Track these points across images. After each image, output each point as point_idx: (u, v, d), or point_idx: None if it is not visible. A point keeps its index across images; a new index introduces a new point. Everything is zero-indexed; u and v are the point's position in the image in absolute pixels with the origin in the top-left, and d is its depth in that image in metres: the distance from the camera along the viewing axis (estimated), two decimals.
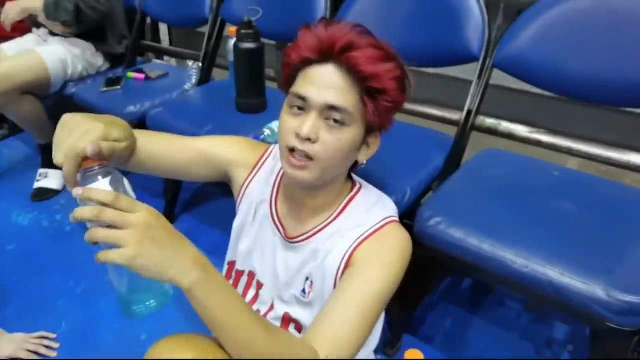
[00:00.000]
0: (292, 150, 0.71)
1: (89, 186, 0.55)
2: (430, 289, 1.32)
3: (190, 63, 1.67)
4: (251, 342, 0.60)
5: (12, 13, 1.73)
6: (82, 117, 0.63)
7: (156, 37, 2.85)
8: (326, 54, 0.69)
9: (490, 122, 1.30)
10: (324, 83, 0.69)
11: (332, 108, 0.69)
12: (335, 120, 0.70)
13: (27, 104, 1.74)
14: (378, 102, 0.71)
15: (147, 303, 0.60)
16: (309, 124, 0.69)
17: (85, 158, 0.58)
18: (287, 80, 0.76)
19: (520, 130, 1.30)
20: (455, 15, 1.21)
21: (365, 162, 0.78)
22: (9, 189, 1.95)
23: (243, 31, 1.31)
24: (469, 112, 1.21)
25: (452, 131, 1.30)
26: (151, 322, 1.33)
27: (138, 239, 0.51)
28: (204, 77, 1.73)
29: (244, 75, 1.37)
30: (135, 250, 0.51)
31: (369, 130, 0.75)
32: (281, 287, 0.84)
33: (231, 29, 1.45)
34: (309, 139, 0.69)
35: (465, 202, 1.01)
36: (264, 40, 1.36)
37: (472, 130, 1.22)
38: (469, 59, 1.21)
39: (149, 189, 1.65)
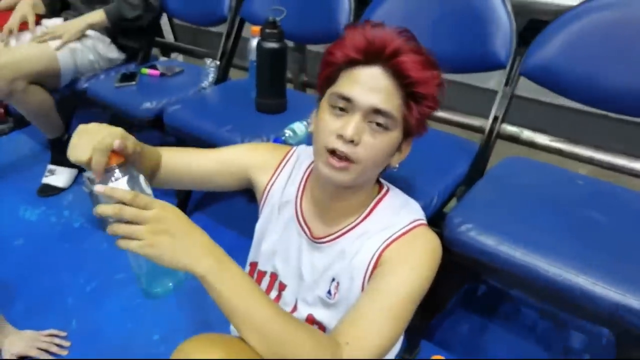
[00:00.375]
0: (332, 152, 0.70)
1: (110, 184, 0.61)
2: (451, 295, 1.32)
3: (208, 61, 1.65)
4: (266, 327, 0.61)
5: (73, 31, 1.71)
6: (99, 124, 0.67)
7: (159, 34, 2.82)
8: (374, 56, 0.69)
9: (512, 129, 1.30)
10: (370, 85, 0.69)
11: (377, 112, 0.68)
12: (379, 124, 0.69)
13: (35, 95, 1.69)
14: (421, 107, 0.71)
15: (165, 285, 0.65)
16: (353, 125, 0.68)
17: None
18: (327, 80, 0.75)
19: (542, 138, 1.30)
20: (482, 22, 1.22)
21: (397, 165, 0.78)
22: (16, 184, 1.92)
23: (267, 30, 1.30)
24: (494, 120, 1.21)
25: (469, 137, 1.30)
26: (163, 322, 1.31)
27: (153, 233, 0.58)
28: (222, 76, 1.71)
29: (265, 75, 1.36)
30: (150, 242, 0.58)
31: (406, 135, 0.75)
32: (305, 288, 0.83)
33: (254, 28, 1.44)
34: (351, 141, 0.68)
35: (494, 209, 1.01)
36: None
37: (497, 138, 1.22)
38: (496, 66, 1.21)
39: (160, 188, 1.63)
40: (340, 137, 0.69)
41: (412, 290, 0.71)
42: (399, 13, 1.35)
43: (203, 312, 1.33)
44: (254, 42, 1.40)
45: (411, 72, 0.68)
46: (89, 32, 1.79)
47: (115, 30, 1.82)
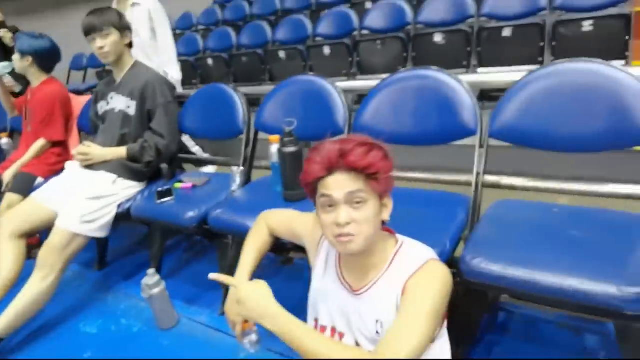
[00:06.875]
0: (338, 236, 0.99)
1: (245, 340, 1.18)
2: (477, 324, 1.54)
3: (234, 168, 1.97)
4: (316, 348, 0.95)
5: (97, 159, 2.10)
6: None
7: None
8: (333, 168, 0.98)
9: (493, 179, 1.61)
10: (340, 184, 0.98)
11: (352, 193, 0.97)
12: (357, 202, 0.97)
13: None
14: (378, 179, 0.98)
15: None
16: (342, 213, 0.97)
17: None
18: (311, 191, 1.04)
19: (519, 181, 1.62)
20: (452, 104, 1.60)
21: (389, 218, 1.04)
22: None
23: (286, 139, 1.64)
24: (477, 174, 1.53)
25: (459, 190, 1.61)
26: None
27: None
28: (247, 178, 2.03)
29: (289, 173, 1.67)
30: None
31: (381, 196, 1.01)
32: (358, 333, 1.08)
33: (272, 138, 1.78)
34: (348, 224, 0.97)
35: (496, 243, 1.28)
36: None
37: (482, 188, 1.53)
38: (469, 134, 1.56)
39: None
40: (339, 225, 0.97)
41: (432, 305, 0.96)
42: (386, 109, 1.71)
43: None
44: (273, 148, 1.73)
45: (357, 164, 0.96)
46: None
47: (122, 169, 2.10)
